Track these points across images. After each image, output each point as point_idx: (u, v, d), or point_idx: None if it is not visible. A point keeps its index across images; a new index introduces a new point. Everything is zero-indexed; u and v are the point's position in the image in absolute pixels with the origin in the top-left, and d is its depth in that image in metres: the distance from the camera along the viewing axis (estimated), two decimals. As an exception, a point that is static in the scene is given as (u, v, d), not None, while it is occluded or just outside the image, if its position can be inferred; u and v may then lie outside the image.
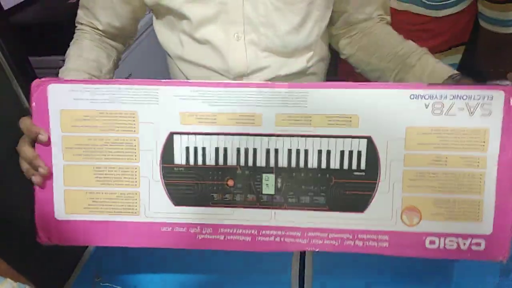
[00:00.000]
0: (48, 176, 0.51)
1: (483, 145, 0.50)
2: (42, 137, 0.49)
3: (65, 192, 0.52)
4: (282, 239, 0.52)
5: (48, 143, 0.51)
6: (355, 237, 0.51)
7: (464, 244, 0.50)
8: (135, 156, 0.52)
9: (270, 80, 0.67)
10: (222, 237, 0.52)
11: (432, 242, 0.51)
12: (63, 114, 0.51)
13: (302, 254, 0.60)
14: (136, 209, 0.52)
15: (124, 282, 0.61)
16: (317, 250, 0.52)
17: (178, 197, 0.52)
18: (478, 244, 0.50)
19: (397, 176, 0.50)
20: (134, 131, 0.51)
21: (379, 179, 0.51)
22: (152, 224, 0.52)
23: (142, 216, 0.52)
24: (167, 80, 0.51)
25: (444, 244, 0.51)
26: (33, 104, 0.51)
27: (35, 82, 0.51)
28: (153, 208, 0.52)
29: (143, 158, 0.52)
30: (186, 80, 0.58)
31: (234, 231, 0.52)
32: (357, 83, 0.50)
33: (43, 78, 0.50)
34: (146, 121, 0.51)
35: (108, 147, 0.52)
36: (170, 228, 0.52)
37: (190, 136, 0.51)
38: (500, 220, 0.50)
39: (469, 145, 0.50)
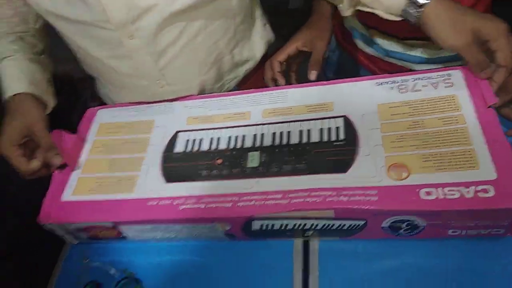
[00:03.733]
0: (71, 166, 0.63)
1: (456, 106, 0.54)
2: (56, 160, 0.60)
3: (79, 179, 0.62)
4: (263, 202, 0.52)
5: (81, 144, 0.65)
6: (339, 194, 0.50)
7: (468, 192, 0.46)
8: (144, 149, 0.63)
9: (165, 20, 0.59)
10: (203, 206, 0.53)
11: (428, 193, 0.47)
12: (101, 126, 0.69)
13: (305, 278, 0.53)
14: (131, 188, 0.58)
15: (113, 263, 0.58)
16: (298, 209, 0.50)
17: (170, 175, 0.58)
18: (485, 191, 0.46)
19: (376, 141, 0.54)
20: (149, 133, 0.65)
21: (358, 145, 0.54)
22: (141, 200, 0.56)
23: (135, 194, 0.57)
24: (182, 96, 0.68)
25: (444, 194, 0.47)
26: (82, 120, 0.70)
27: (90, 110, 0.71)
28: (146, 187, 0.58)
29: (150, 150, 0.63)
30: (194, 95, 0.68)
31: (216, 199, 0.54)
32: (330, 81, 0.63)
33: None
34: (160, 126, 0.66)
35: (124, 145, 0.64)
36: (156, 202, 0.56)
37: (191, 132, 0.63)
38: (503, 164, 0.47)
39: (441, 108, 0.54)
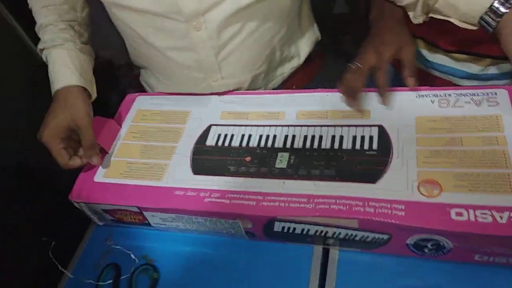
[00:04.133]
0: (106, 149, 0.64)
1: (498, 127, 0.52)
2: (95, 160, 0.60)
3: (112, 162, 0.64)
4: (287, 204, 0.52)
5: (117, 128, 0.67)
6: (366, 204, 0.49)
7: (501, 217, 0.44)
8: (177, 139, 0.64)
9: (232, 13, 0.60)
10: (227, 201, 0.54)
11: (459, 214, 0.46)
12: (138, 111, 0.71)
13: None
14: (161, 176, 0.60)
15: (134, 248, 0.60)
16: (322, 215, 0.50)
17: (198, 168, 0.59)
18: (520, 218, 0.44)
19: (410, 155, 0.52)
20: (184, 123, 0.67)
21: (391, 157, 0.53)
22: (168, 188, 0.58)
23: (163, 182, 0.59)
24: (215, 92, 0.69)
25: (475, 217, 0.45)
26: (121, 106, 0.72)
27: (130, 96, 0.74)
28: (175, 176, 0.59)
29: (182, 140, 0.64)
30: (231, 90, 0.68)
31: (241, 196, 0.54)
32: (369, 88, 0.62)
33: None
34: (195, 117, 0.67)
35: (159, 133, 0.66)
36: (183, 192, 0.57)
37: (224, 126, 0.64)
38: None
39: (483, 127, 0.53)
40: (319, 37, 0.77)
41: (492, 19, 0.49)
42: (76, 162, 0.60)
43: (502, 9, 0.48)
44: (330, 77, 0.74)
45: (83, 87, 0.63)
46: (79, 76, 0.63)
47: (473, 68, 0.65)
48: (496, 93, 0.55)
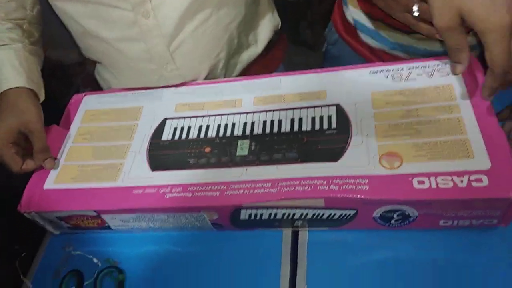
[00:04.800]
0: (54, 155, 0.61)
1: (451, 96, 0.54)
2: (49, 164, 0.58)
3: (62, 167, 0.61)
4: (251, 191, 0.51)
5: (65, 132, 0.64)
6: (330, 182, 0.49)
7: (462, 181, 0.46)
8: (131, 137, 0.62)
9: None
10: (190, 194, 0.53)
11: (421, 182, 0.47)
12: (86, 112, 0.67)
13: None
14: (116, 176, 0.57)
15: (96, 252, 0.57)
16: (288, 198, 0.49)
17: (156, 164, 0.57)
18: (480, 180, 0.45)
19: (369, 130, 0.53)
20: (136, 119, 0.64)
21: (351, 134, 0.53)
22: (125, 188, 0.55)
23: (119, 182, 0.56)
24: (170, 85, 0.67)
25: (437, 184, 0.46)
26: (68, 108, 0.68)
27: (76, 96, 0.70)
28: (131, 175, 0.57)
29: (137, 138, 0.61)
30: (185, 82, 0.67)
31: (204, 188, 0.53)
32: (323, 69, 0.62)
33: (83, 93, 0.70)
34: (147, 113, 0.64)
35: (110, 132, 0.63)
36: (142, 190, 0.55)
37: (180, 119, 0.62)
38: (498, 154, 0.47)
39: (436, 97, 0.54)
40: (279, 24, 0.77)
41: None
42: (29, 165, 0.57)
43: None
44: (292, 67, 0.73)
45: (32, 90, 0.59)
46: (27, 78, 0.59)
47: (434, 45, 0.66)
48: (446, 63, 0.57)
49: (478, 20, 0.41)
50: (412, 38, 0.66)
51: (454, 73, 0.49)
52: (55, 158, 0.60)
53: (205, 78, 0.68)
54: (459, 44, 0.46)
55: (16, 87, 0.58)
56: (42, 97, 0.62)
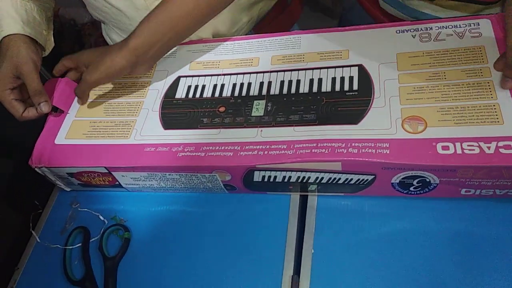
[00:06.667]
0: (65, 110, 0.61)
1: (482, 58, 0.51)
2: (44, 108, 0.57)
3: (73, 122, 0.61)
4: (266, 152, 0.50)
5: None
6: (349, 145, 0.48)
7: (489, 147, 0.44)
8: (144, 93, 0.62)
9: None
10: (203, 154, 0.52)
11: (445, 148, 0.45)
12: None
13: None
14: (128, 134, 0.57)
15: (103, 210, 0.58)
16: (304, 160, 0.49)
17: (169, 122, 0.57)
18: (508, 147, 0.44)
19: (392, 92, 0.52)
20: (149, 76, 0.64)
21: (373, 96, 0.52)
22: (137, 145, 0.56)
23: (131, 139, 0.57)
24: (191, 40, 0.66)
25: (462, 149, 0.45)
26: None
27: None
28: (144, 133, 0.57)
29: (150, 95, 0.61)
30: (199, 39, 0.66)
31: (217, 148, 0.52)
32: (346, 27, 0.60)
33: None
34: (161, 69, 0.64)
35: (123, 89, 0.63)
36: (154, 148, 0.55)
37: (194, 78, 0.62)
38: None
39: (466, 60, 0.52)
40: None
41: None
42: (31, 113, 0.57)
43: None
44: (307, 27, 0.71)
45: (31, 37, 0.59)
46: (23, 25, 0.59)
47: (461, 15, 0.63)
48: (479, 24, 0.54)
49: None
50: (438, 6, 0.63)
51: (503, 87, 0.48)
52: (66, 114, 0.61)
53: (214, 36, 0.67)
54: None
55: (10, 35, 0.58)
56: (49, 45, 0.63)
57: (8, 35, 0.58)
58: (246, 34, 0.71)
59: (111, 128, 0.58)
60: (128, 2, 0.62)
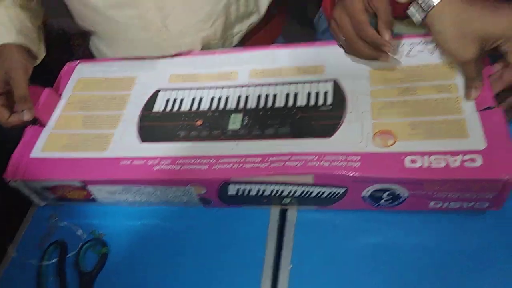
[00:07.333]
0: (43, 122, 0.62)
1: (450, 75, 0.54)
2: (26, 115, 0.58)
3: (50, 134, 0.62)
4: (241, 165, 0.52)
5: (56, 99, 0.65)
6: (321, 158, 0.50)
7: (455, 160, 0.46)
8: (123, 107, 0.63)
9: None
10: (178, 167, 0.53)
11: (413, 161, 0.47)
12: (79, 80, 0.68)
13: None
14: (105, 146, 0.58)
15: (81, 224, 0.58)
16: (277, 173, 0.50)
17: (147, 135, 0.58)
18: (473, 160, 0.46)
19: (365, 108, 0.53)
20: (129, 89, 0.65)
21: (345, 111, 0.54)
22: (113, 158, 0.56)
23: (108, 152, 0.57)
24: (166, 55, 0.67)
25: (429, 163, 0.47)
26: (60, 75, 0.69)
27: (69, 64, 0.71)
28: (121, 146, 0.58)
29: (128, 108, 0.62)
30: (180, 52, 0.67)
31: (193, 161, 0.53)
32: (323, 42, 0.62)
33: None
34: (141, 83, 0.65)
35: (103, 101, 0.64)
36: (129, 161, 0.56)
37: (173, 91, 0.63)
38: (494, 135, 0.47)
39: (436, 75, 0.54)
40: None
41: (419, 11, 0.49)
42: (15, 118, 0.58)
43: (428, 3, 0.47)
44: (291, 39, 0.73)
45: (23, 45, 0.61)
46: (16, 34, 0.60)
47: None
48: (449, 41, 0.56)
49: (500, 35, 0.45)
50: (409, 24, 0.65)
51: (469, 98, 0.50)
52: (44, 126, 0.61)
53: (203, 48, 0.69)
54: (477, 72, 0.49)
55: (4, 44, 0.60)
56: (41, 53, 0.64)
57: (2, 44, 0.59)
58: (234, 46, 0.73)
59: (89, 141, 0.59)
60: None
